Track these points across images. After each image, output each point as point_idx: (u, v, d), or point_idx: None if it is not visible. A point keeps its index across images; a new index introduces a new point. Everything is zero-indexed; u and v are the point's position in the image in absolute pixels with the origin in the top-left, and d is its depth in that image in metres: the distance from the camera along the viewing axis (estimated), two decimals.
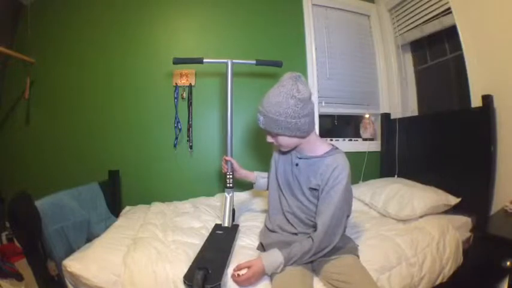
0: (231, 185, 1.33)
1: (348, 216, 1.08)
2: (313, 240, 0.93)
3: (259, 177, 1.32)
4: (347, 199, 0.98)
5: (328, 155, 1.01)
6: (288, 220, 1.08)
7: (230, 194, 1.32)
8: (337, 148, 1.05)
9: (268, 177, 1.23)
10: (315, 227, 1.02)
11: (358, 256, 1.03)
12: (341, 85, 2.13)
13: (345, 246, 1.04)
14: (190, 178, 1.88)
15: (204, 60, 1.44)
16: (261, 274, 0.90)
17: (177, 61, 1.41)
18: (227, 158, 1.33)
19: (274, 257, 0.91)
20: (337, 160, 0.97)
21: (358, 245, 1.09)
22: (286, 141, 1.01)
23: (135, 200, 1.75)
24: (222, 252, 1.02)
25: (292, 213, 1.07)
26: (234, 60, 1.45)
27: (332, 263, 0.97)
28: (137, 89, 1.87)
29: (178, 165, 1.87)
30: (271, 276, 0.92)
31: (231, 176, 1.32)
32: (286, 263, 0.91)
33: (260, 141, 1.91)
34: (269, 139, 1.04)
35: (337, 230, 0.95)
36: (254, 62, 1.52)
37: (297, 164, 1.07)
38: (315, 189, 1.00)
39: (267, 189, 1.25)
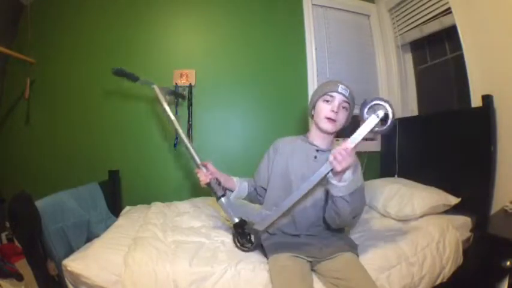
0: (223, 192, 1.14)
1: None
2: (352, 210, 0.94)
3: (240, 182, 1.21)
4: None
5: None
6: (293, 220, 1.06)
7: (226, 202, 1.13)
8: None
9: (268, 175, 1.16)
10: (320, 225, 1.06)
11: (357, 255, 1.03)
12: None
13: (345, 244, 1.04)
14: (190, 178, 1.88)
15: (139, 80, 1.30)
16: (350, 164, 0.85)
17: (117, 72, 1.22)
18: (204, 163, 1.16)
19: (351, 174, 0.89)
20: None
21: (357, 245, 1.09)
22: (344, 117, 1.06)
23: (135, 200, 1.75)
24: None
25: (301, 210, 1.05)
26: (156, 86, 1.31)
27: (331, 261, 0.97)
28: (137, 89, 1.86)
29: (178, 165, 1.87)
30: (271, 275, 0.92)
31: (218, 182, 1.14)
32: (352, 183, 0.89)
33: (261, 143, 1.91)
34: (335, 109, 1.02)
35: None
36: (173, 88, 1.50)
37: (315, 157, 1.07)
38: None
39: (246, 196, 1.22)
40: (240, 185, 1.20)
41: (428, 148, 1.77)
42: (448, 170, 1.59)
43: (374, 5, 2.23)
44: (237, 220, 1.11)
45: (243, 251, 1.06)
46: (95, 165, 1.78)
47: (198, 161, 1.18)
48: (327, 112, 1.04)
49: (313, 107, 1.10)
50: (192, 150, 1.21)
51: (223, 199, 1.13)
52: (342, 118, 1.05)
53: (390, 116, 0.80)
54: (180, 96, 1.56)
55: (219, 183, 1.14)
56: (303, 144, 1.13)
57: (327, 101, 1.05)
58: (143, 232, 1.20)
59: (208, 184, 1.12)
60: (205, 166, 1.16)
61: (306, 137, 1.16)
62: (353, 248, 1.05)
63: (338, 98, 1.03)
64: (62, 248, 1.06)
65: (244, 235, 1.07)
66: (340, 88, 1.03)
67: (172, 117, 1.26)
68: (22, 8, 1.87)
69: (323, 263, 0.98)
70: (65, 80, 1.83)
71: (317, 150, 1.08)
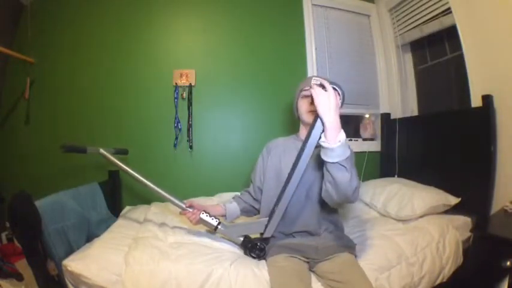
0: (217, 220, 1.11)
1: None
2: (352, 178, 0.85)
3: (228, 204, 1.23)
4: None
5: None
6: (287, 215, 1.05)
7: (224, 228, 1.11)
8: None
9: (264, 175, 1.18)
10: (315, 221, 1.05)
11: (355, 255, 1.03)
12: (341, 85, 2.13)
13: (343, 244, 1.04)
14: (190, 178, 1.88)
15: (88, 149, 1.27)
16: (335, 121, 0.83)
17: (67, 149, 1.19)
18: (187, 203, 1.15)
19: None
20: None
21: (356, 244, 1.09)
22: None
23: (135, 200, 1.75)
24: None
25: (297, 203, 1.05)
26: (102, 149, 1.30)
27: (328, 262, 0.97)
28: (137, 89, 1.87)
29: (178, 165, 1.87)
30: (270, 276, 0.93)
31: (207, 214, 1.12)
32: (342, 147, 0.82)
33: (261, 143, 1.91)
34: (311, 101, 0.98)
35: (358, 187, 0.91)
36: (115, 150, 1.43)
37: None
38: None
39: (240, 214, 1.24)
40: (229, 208, 1.21)
41: (428, 148, 1.77)
42: (448, 170, 1.59)
43: (374, 5, 2.23)
44: (241, 239, 1.11)
45: (260, 259, 1.06)
46: (95, 165, 1.77)
47: (183, 205, 1.14)
48: (307, 106, 1.10)
49: (297, 109, 1.18)
50: (172, 197, 1.15)
51: (219, 227, 1.10)
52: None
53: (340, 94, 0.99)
54: (122, 153, 1.52)
55: (209, 215, 1.12)
56: (294, 143, 1.15)
57: (306, 96, 1.11)
58: (143, 232, 1.20)
59: (200, 220, 1.11)
60: (190, 206, 1.14)
61: (297, 136, 1.21)
62: (350, 248, 1.04)
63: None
64: (62, 248, 1.06)
65: (253, 247, 1.06)
66: (313, 80, 1.01)
67: (132, 172, 1.26)
68: (22, 8, 1.86)
69: (320, 264, 0.98)
70: (65, 80, 1.82)
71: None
